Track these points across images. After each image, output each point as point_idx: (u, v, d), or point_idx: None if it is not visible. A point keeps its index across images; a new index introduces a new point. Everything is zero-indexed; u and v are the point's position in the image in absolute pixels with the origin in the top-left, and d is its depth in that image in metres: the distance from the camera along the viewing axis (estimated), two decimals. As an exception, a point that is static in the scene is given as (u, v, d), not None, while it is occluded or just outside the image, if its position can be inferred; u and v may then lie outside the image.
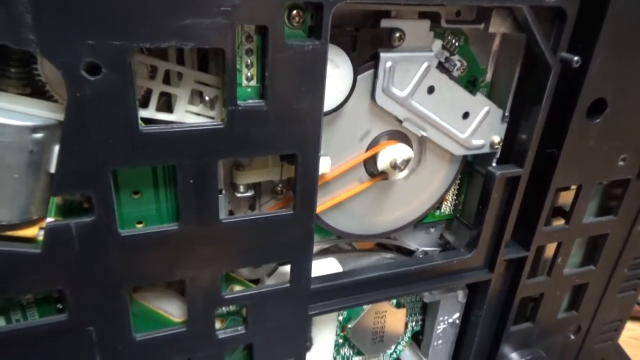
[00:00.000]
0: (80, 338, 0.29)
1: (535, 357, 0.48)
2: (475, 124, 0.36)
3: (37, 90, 0.25)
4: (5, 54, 0.24)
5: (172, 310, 0.34)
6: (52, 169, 0.26)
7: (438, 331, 0.46)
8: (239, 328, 0.34)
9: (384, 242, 0.44)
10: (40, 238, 0.27)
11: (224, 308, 0.35)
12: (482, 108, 0.36)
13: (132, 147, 0.25)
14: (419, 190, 0.40)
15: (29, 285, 0.27)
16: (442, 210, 0.43)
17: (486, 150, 0.38)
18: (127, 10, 0.22)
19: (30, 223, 0.27)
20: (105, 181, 0.26)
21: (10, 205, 0.26)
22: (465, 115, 0.36)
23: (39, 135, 0.25)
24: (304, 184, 0.30)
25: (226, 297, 0.32)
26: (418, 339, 0.49)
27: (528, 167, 0.37)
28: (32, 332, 0.28)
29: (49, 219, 0.27)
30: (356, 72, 0.31)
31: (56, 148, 0.26)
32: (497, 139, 0.38)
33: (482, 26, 0.33)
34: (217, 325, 0.34)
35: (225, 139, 0.27)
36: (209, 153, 0.27)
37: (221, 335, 0.34)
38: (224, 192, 0.32)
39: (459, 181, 0.42)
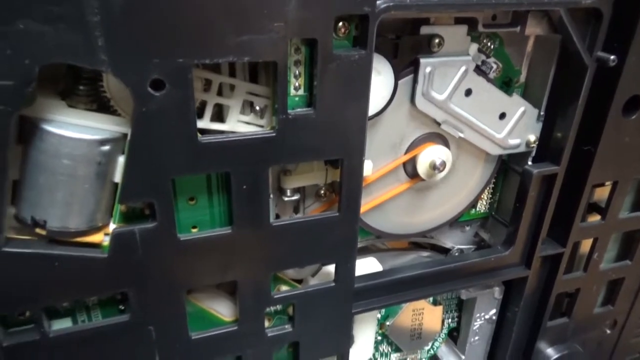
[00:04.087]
0: (141, 337, 0.31)
1: (571, 351, 0.49)
2: (511, 124, 0.37)
3: (102, 106, 0.27)
4: (75, 73, 0.26)
5: (223, 310, 0.35)
6: (116, 179, 0.28)
7: (474, 327, 0.47)
8: (286, 326, 0.36)
9: (419, 241, 0.45)
10: (106, 243, 0.28)
11: (272, 307, 0.37)
12: (519, 108, 0.37)
13: (191, 156, 0.27)
14: (456, 189, 0.40)
15: (95, 287, 0.29)
16: (478, 209, 0.44)
17: (522, 149, 0.39)
18: (191, 30, 0.24)
19: (96, 229, 0.28)
20: (167, 189, 0.27)
21: (79, 213, 0.27)
22: (502, 115, 0.37)
23: (106, 148, 0.26)
24: (349, 187, 0.32)
25: (275, 296, 0.34)
26: (453, 335, 0.50)
27: (564, 164, 0.38)
28: (97, 332, 0.30)
29: (113, 225, 0.29)
30: (397, 78, 0.32)
31: (120, 159, 0.27)
32: (532, 137, 0.38)
33: (518, 29, 0.34)
34: (266, 323, 0.35)
35: (276, 146, 0.29)
36: (262, 160, 0.29)
37: (270, 333, 0.35)
38: (272, 196, 0.33)
39: (494, 180, 0.42)
